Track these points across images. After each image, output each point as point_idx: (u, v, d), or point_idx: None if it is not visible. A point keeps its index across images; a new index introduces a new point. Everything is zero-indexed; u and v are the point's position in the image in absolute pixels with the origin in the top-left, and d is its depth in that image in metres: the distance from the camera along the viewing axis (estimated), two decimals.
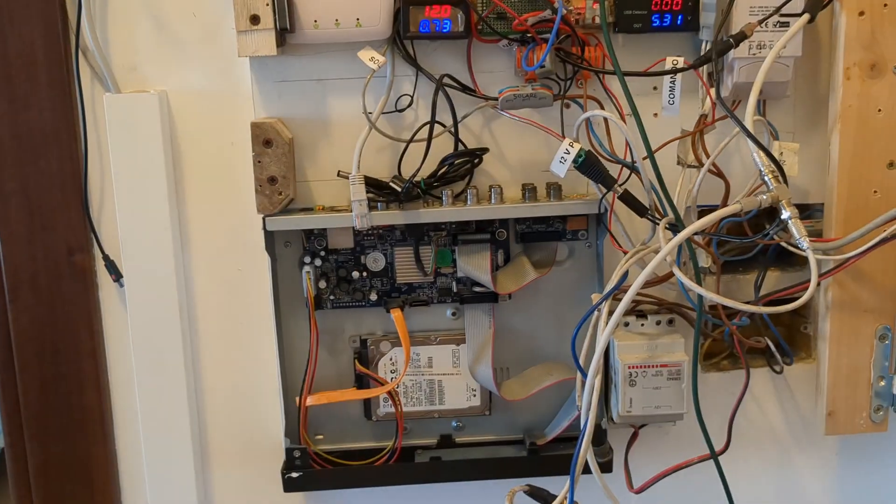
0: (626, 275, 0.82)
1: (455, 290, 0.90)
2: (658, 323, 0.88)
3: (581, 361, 0.81)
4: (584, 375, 0.80)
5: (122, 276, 0.89)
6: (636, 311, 0.89)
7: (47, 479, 0.93)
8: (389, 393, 0.89)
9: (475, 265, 0.87)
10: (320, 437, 0.95)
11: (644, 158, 0.80)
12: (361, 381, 0.92)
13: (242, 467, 0.96)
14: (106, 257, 0.90)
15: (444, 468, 0.91)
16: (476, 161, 0.87)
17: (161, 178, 0.87)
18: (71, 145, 0.88)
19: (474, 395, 0.93)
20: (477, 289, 0.89)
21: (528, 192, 0.87)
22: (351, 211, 0.84)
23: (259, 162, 0.83)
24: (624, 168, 0.83)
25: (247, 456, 0.95)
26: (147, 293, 0.89)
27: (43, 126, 0.87)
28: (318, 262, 0.89)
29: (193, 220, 0.91)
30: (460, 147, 0.86)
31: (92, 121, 0.88)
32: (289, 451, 0.90)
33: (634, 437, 0.93)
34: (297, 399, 0.89)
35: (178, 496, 0.94)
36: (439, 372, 0.92)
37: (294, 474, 0.90)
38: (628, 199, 0.81)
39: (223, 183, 0.90)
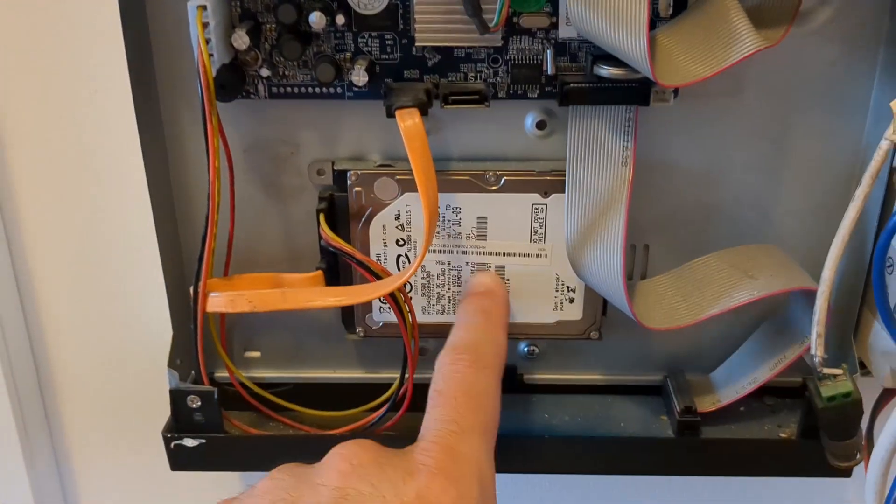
0: None
1: (550, 69, 0.39)
2: None
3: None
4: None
5: None
6: None
7: None
8: (391, 295, 0.40)
9: (612, 12, 0.35)
10: (254, 354, 0.47)
11: None
12: (333, 262, 0.43)
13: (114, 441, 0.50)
14: None
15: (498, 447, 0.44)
16: None
17: None
18: None
19: (570, 301, 0.44)
20: (605, 69, 0.38)
21: None
22: None
23: None
24: None
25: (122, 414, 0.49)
26: None
27: None
28: None
29: None
30: None
31: None
32: (176, 396, 0.43)
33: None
34: (191, 291, 0.41)
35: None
36: (500, 249, 0.43)
37: (189, 440, 0.43)
38: None
39: None
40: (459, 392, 0.34)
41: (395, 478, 0.30)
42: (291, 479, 0.31)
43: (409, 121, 0.37)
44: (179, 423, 0.43)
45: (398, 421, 0.43)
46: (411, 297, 0.43)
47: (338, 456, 0.31)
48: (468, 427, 0.33)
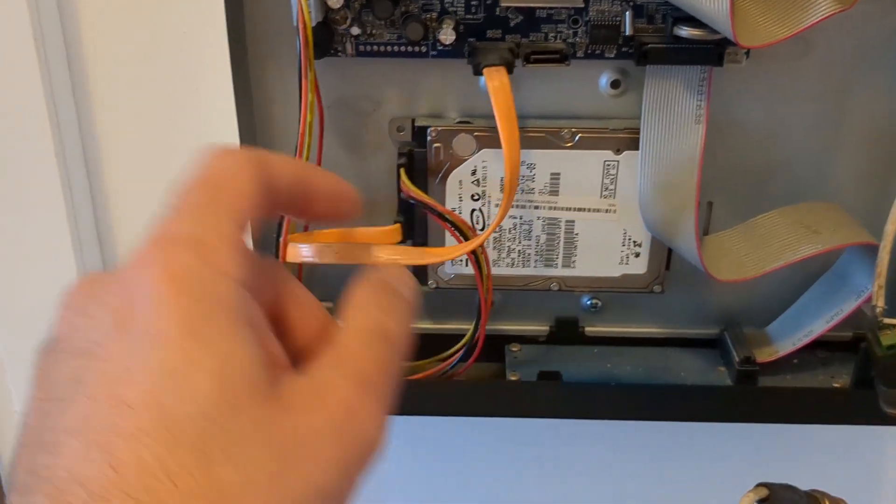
0: None
1: (628, 30, 0.40)
2: None
3: None
4: None
5: None
6: None
7: None
8: (473, 252, 0.42)
9: None
10: (328, 304, 0.49)
11: None
12: (410, 214, 0.45)
13: None
14: None
15: (563, 394, 0.46)
16: None
17: None
18: None
19: (635, 256, 0.46)
20: (685, 30, 0.39)
21: None
22: None
23: None
24: None
25: None
26: None
27: None
28: None
29: None
30: None
31: None
32: None
33: None
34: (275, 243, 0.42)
35: None
36: (571, 205, 0.45)
37: None
38: None
39: None
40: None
41: (104, 294, 0.23)
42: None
43: (496, 79, 0.39)
44: None
45: (468, 369, 0.45)
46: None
47: (58, 305, 0.24)
48: (178, 230, 0.23)
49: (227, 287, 0.22)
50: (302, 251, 0.42)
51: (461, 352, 0.46)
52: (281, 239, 0.42)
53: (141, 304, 0.21)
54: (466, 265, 0.46)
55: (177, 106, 0.46)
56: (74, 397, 0.21)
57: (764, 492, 0.38)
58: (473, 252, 0.42)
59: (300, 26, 0.37)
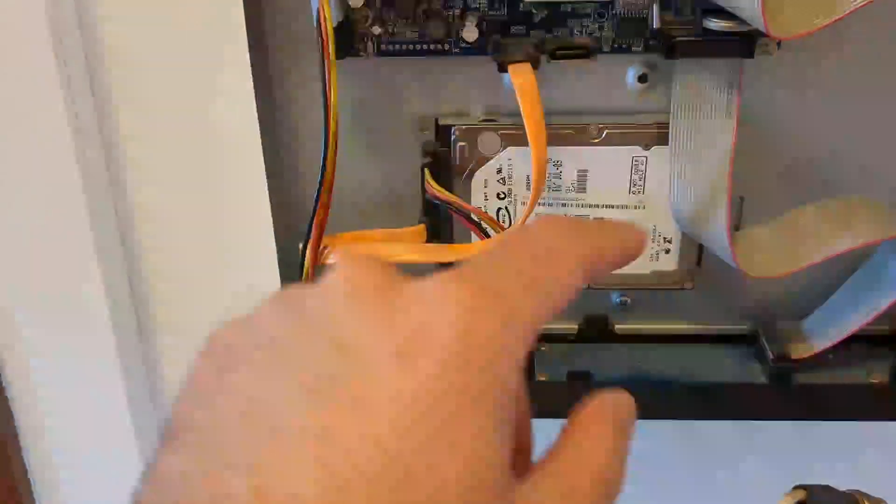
0: None
1: (656, 23, 0.40)
2: None
3: None
4: None
5: None
6: None
7: None
8: None
9: None
10: None
11: None
12: (436, 215, 0.44)
13: None
14: None
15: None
16: None
17: None
18: None
19: (665, 252, 0.45)
20: (715, 22, 0.38)
21: None
22: None
23: None
24: None
25: None
26: None
27: None
28: None
29: None
30: None
31: None
32: None
33: None
34: (301, 247, 0.42)
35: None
36: (599, 202, 0.44)
37: None
38: None
39: None
40: (541, 248, 0.21)
41: (387, 313, 0.19)
42: (287, 309, 0.20)
43: (522, 76, 0.38)
44: None
45: None
46: None
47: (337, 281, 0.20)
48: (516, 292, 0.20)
49: (516, 373, 0.19)
50: (329, 255, 0.42)
51: None
52: (310, 242, 0.41)
53: (435, 359, 0.17)
54: None
55: (198, 108, 0.46)
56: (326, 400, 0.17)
57: (802, 494, 0.37)
58: None
59: (321, 26, 0.37)
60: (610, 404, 0.23)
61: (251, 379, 0.18)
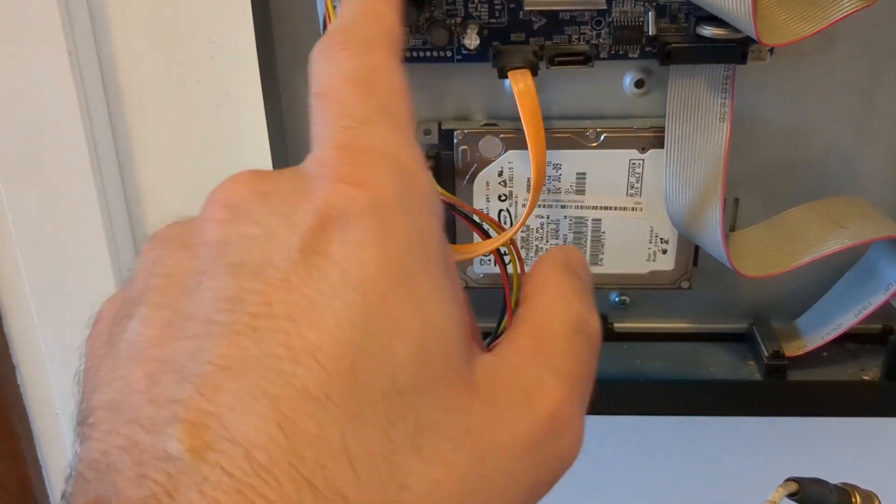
0: None
1: (651, 30, 0.41)
2: None
3: None
4: None
5: None
6: None
7: None
8: (497, 250, 0.43)
9: None
10: None
11: None
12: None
13: None
14: None
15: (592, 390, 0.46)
16: None
17: None
18: None
19: (663, 253, 0.46)
20: (708, 30, 0.40)
21: None
22: None
23: None
24: None
25: None
26: None
27: None
28: None
29: None
30: None
31: None
32: None
33: None
34: None
35: None
36: (597, 203, 0.45)
37: None
38: None
39: None
40: (341, 83, 0.24)
41: (284, 205, 0.19)
42: (164, 247, 0.21)
43: (521, 81, 0.39)
44: None
45: None
46: None
47: (212, 202, 0.20)
48: (363, 117, 0.22)
49: (435, 226, 0.18)
50: None
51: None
52: None
53: (339, 234, 0.17)
54: (495, 265, 0.46)
55: (207, 113, 0.47)
56: (230, 323, 0.16)
57: (793, 486, 0.38)
58: (498, 250, 0.43)
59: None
60: (561, 255, 0.23)
61: (150, 332, 0.17)
